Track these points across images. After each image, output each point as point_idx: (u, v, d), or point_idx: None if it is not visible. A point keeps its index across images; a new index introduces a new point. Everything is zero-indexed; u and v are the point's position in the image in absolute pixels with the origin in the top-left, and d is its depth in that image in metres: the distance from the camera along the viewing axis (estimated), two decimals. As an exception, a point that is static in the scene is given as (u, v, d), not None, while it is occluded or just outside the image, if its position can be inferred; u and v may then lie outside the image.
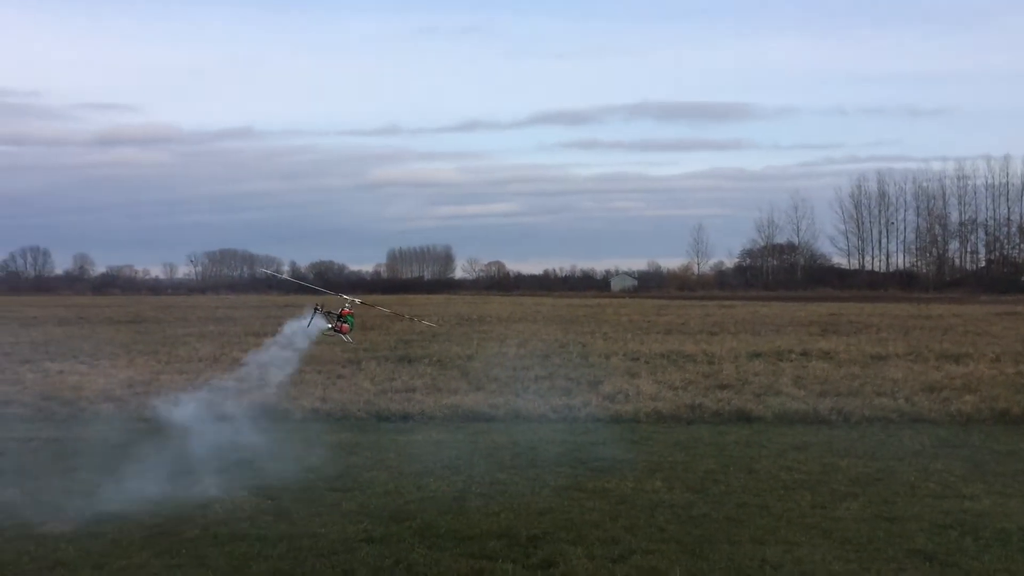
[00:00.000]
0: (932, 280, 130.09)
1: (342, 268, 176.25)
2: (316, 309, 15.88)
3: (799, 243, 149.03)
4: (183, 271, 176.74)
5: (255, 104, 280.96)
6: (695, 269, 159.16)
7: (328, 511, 11.77)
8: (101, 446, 16.26)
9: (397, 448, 16.15)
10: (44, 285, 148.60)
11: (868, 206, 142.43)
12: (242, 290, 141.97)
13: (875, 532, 10.88)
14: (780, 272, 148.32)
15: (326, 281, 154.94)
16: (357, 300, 15.55)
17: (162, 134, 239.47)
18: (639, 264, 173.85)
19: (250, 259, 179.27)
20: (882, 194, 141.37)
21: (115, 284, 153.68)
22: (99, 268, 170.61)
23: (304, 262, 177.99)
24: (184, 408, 20.56)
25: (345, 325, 14.89)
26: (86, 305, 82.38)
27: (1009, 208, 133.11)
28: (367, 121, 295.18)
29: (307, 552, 10.06)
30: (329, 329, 15.14)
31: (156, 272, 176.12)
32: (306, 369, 27.25)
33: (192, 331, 44.71)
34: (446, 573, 9.40)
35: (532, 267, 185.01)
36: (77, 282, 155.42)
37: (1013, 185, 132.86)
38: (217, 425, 19.01)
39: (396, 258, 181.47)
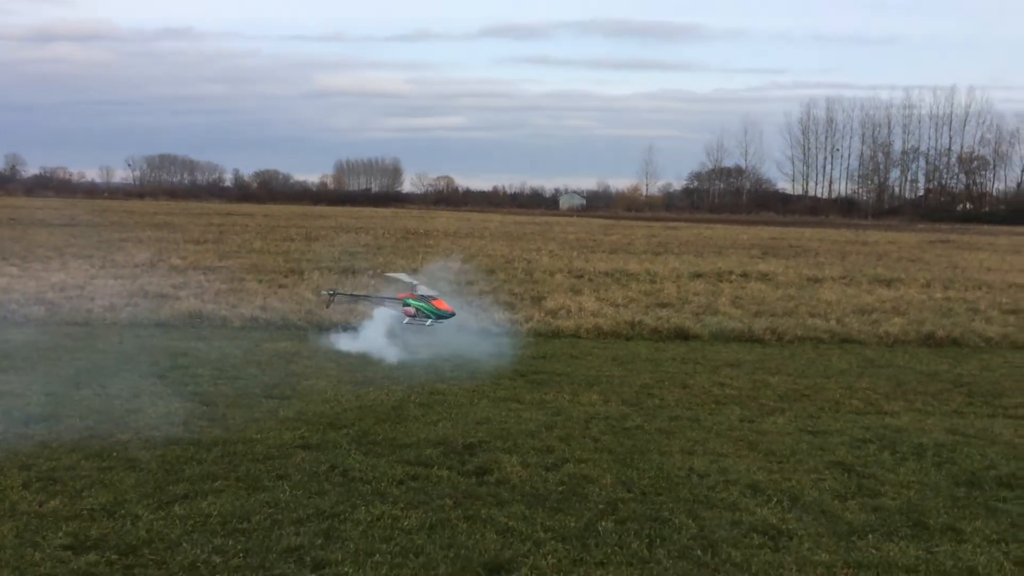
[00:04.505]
0: (871, 207, 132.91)
1: (287, 178, 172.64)
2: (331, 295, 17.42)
3: (746, 167, 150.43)
4: (121, 175, 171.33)
5: (195, 2, 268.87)
6: (643, 190, 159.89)
7: (264, 417, 11.73)
8: (32, 348, 15.89)
9: (337, 358, 16.11)
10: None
11: (815, 132, 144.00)
12: (182, 196, 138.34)
13: (798, 445, 11.28)
14: (726, 195, 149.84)
15: (273, 193, 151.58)
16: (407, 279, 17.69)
17: (99, 31, 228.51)
18: (589, 184, 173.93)
19: (191, 165, 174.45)
20: (830, 121, 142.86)
21: (49, 186, 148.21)
22: (32, 169, 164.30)
23: (248, 170, 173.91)
24: (119, 313, 20.22)
25: (408, 308, 15.79)
26: (18, 206, 79.41)
27: (951, 138, 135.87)
28: (312, 27, 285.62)
29: (242, 457, 10.05)
30: (409, 317, 16.15)
31: (92, 175, 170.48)
32: (247, 278, 26.90)
33: (129, 236, 43.58)
34: (381, 478, 9.48)
35: (481, 183, 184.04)
36: (9, 183, 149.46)
37: (956, 115, 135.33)
38: (152, 330, 18.75)
39: (343, 169, 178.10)
